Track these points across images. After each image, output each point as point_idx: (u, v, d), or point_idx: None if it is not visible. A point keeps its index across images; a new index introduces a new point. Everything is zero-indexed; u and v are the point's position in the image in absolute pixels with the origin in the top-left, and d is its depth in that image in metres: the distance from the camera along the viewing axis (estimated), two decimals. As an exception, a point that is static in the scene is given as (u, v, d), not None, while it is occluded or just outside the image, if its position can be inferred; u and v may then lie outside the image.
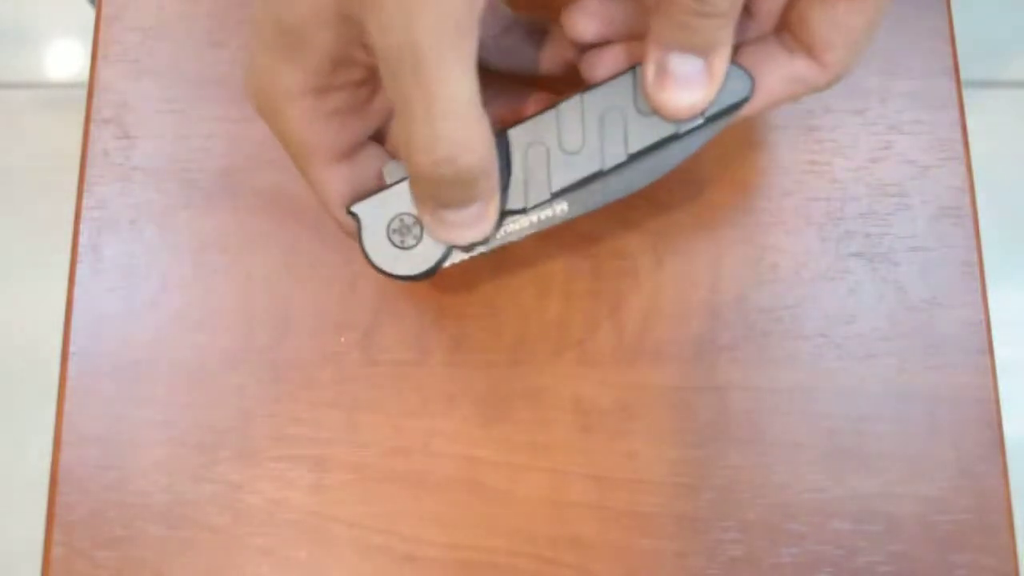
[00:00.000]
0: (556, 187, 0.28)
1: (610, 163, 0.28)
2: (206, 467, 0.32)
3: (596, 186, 0.28)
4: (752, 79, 0.28)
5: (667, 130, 0.28)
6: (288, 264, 0.34)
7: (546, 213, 0.29)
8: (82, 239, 0.34)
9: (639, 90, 0.28)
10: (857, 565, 0.32)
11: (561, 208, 0.29)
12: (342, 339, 0.33)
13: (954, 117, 0.35)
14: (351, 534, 0.32)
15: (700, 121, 0.28)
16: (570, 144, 0.28)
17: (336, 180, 0.28)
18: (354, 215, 0.29)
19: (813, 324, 0.33)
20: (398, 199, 0.28)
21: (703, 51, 0.26)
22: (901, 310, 0.33)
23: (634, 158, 0.28)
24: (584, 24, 0.29)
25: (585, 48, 0.29)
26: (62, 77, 1.06)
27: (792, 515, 0.32)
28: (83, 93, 0.35)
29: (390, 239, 0.29)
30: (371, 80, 0.28)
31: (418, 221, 0.28)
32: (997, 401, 0.33)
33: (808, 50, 0.28)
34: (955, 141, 0.35)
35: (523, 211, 0.28)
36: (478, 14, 0.23)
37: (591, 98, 0.28)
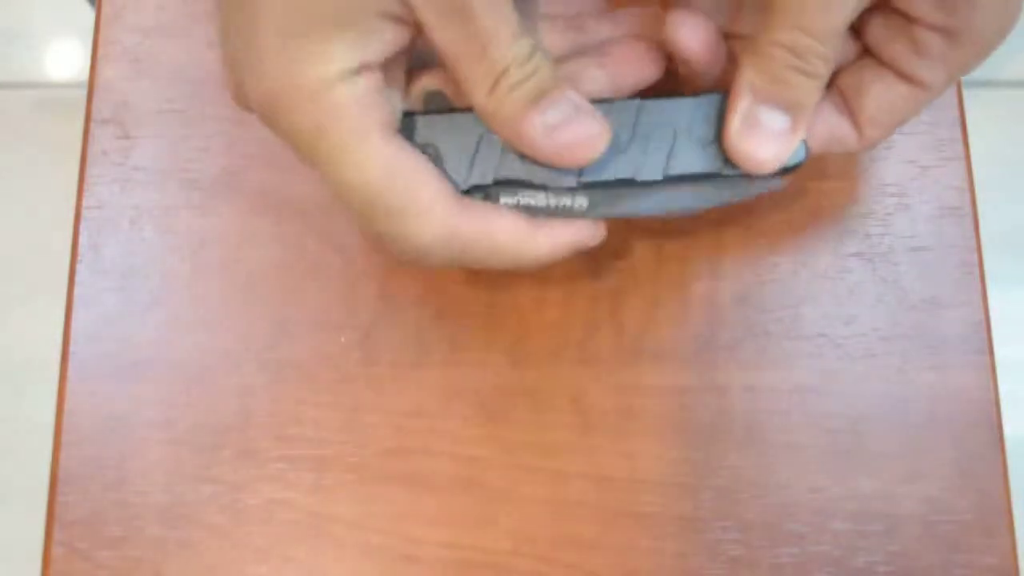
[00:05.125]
0: (586, 178, 0.27)
1: (646, 175, 0.27)
2: (206, 467, 0.32)
3: (623, 192, 0.28)
4: (807, 145, 0.28)
5: (712, 166, 0.27)
6: (288, 264, 0.34)
7: (565, 200, 0.28)
8: (82, 239, 0.34)
9: (710, 125, 0.27)
10: (857, 565, 0.32)
11: (579, 203, 0.28)
12: (342, 339, 0.33)
13: (954, 117, 0.35)
14: (351, 534, 0.32)
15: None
16: (614, 141, 0.27)
17: (407, 154, 0.26)
18: (427, 144, 0.27)
19: (813, 324, 0.33)
20: (426, 129, 0.27)
21: (793, 108, 0.26)
22: (901, 310, 0.33)
23: (670, 180, 0.27)
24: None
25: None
26: (62, 77, 1.06)
27: (792, 515, 0.32)
28: (83, 93, 0.35)
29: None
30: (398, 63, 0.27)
31: (440, 155, 0.27)
32: (997, 401, 0.33)
33: (854, 118, 0.28)
34: (955, 141, 0.35)
35: (543, 188, 0.27)
36: None
37: (649, 106, 0.27)
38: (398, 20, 0.25)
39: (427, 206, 0.26)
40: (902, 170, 0.34)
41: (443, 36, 0.25)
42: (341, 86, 0.24)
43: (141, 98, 0.35)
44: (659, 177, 0.27)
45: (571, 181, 0.27)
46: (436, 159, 0.27)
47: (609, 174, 0.27)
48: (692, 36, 0.27)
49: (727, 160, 0.27)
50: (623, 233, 0.34)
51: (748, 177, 0.28)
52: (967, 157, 0.35)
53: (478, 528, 0.32)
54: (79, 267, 0.34)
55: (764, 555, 0.32)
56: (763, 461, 0.32)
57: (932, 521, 0.32)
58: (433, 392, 0.33)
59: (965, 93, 0.35)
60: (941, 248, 0.34)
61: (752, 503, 0.32)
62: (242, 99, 0.26)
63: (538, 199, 0.28)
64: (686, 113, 0.28)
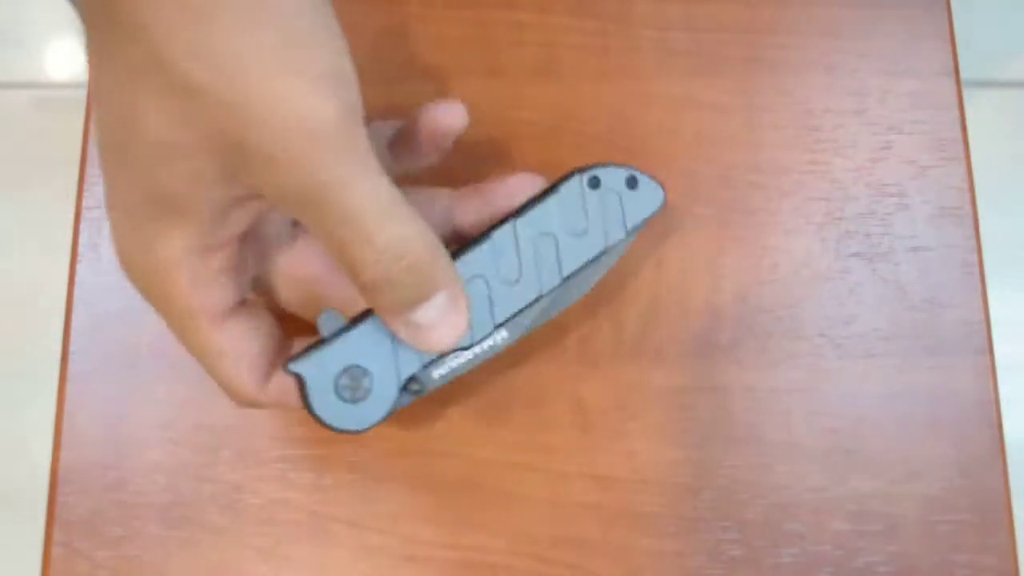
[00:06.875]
0: (499, 319, 0.29)
1: (547, 287, 0.29)
2: (206, 467, 0.32)
3: (533, 311, 0.29)
4: (662, 187, 0.30)
5: (597, 248, 0.29)
6: (288, 264, 0.34)
7: (488, 344, 0.29)
8: (82, 239, 0.34)
9: (580, 213, 0.29)
10: (857, 565, 0.32)
11: (501, 336, 0.29)
12: (342, 339, 0.33)
13: (954, 117, 0.35)
14: (351, 534, 0.32)
15: (623, 235, 0.29)
16: (508, 274, 0.28)
17: (229, 340, 0.27)
18: (296, 375, 0.27)
19: (813, 324, 0.33)
20: (344, 351, 0.27)
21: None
22: (901, 310, 0.33)
23: (567, 279, 0.29)
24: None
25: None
26: (62, 77, 1.06)
27: (792, 515, 0.32)
28: (83, 93, 0.35)
29: (339, 394, 0.28)
30: (250, 233, 0.27)
31: (367, 372, 0.28)
32: (997, 401, 0.33)
33: None
34: (955, 141, 0.35)
35: (468, 347, 0.28)
36: (359, 123, 0.24)
37: (523, 225, 0.29)
38: (247, 199, 0.25)
39: (236, 388, 0.28)
40: (902, 170, 0.34)
41: (309, 223, 0.24)
42: (179, 270, 0.25)
43: (141, 98, 0.35)
44: (559, 282, 0.29)
45: (488, 328, 0.28)
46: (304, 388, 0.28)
47: (519, 303, 0.29)
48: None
49: (608, 236, 0.29)
50: (623, 233, 0.34)
51: (624, 240, 0.29)
52: (967, 157, 0.35)
53: (478, 528, 0.32)
54: (79, 267, 0.34)
55: (764, 555, 0.32)
56: (763, 461, 0.32)
57: (932, 521, 0.32)
58: (433, 392, 0.33)
59: (965, 93, 0.35)
60: (941, 248, 0.34)
61: (752, 503, 0.32)
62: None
63: (465, 357, 0.29)
64: (555, 213, 0.29)
